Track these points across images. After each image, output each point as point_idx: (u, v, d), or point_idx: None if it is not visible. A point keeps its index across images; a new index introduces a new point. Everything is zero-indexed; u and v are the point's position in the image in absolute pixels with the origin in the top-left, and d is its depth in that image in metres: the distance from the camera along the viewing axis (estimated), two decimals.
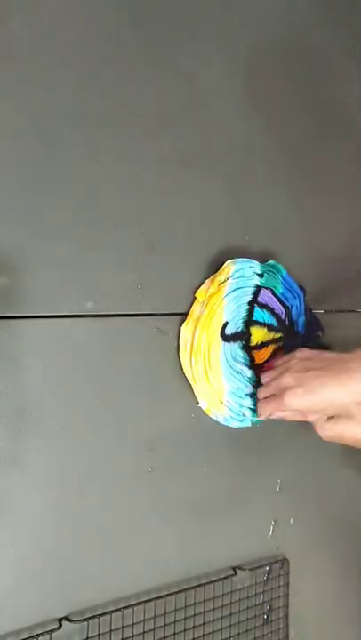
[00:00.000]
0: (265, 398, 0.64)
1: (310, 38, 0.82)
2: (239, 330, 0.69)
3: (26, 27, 0.57)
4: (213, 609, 0.68)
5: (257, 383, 0.70)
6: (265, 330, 0.71)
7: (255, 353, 0.71)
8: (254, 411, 0.69)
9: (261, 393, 0.65)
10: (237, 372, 0.69)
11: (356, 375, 0.56)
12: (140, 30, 0.65)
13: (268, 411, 0.62)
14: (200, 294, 0.68)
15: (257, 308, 0.70)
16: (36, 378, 0.57)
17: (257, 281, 0.70)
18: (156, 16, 0.66)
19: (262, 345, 0.71)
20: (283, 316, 0.73)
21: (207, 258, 0.70)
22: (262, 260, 0.72)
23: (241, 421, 0.69)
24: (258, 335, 0.71)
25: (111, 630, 0.59)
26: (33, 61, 0.57)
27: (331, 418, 0.59)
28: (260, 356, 0.72)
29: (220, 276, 0.68)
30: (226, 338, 0.68)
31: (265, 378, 0.66)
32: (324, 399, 0.57)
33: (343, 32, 0.85)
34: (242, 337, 0.69)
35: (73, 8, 0.60)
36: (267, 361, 0.72)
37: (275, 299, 0.72)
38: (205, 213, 0.70)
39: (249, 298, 0.70)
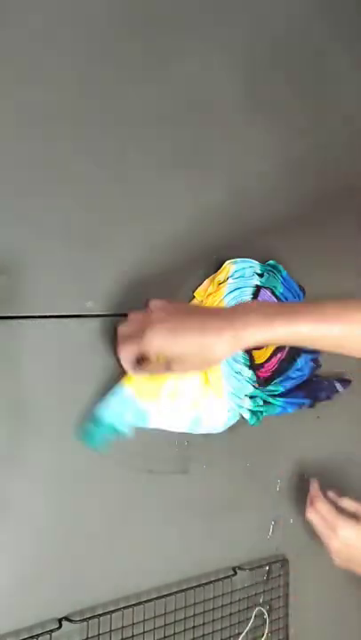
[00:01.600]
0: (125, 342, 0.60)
1: (310, 37, 0.82)
2: None
3: (24, 26, 0.57)
4: (213, 609, 0.68)
5: (257, 383, 0.70)
6: None
7: (255, 353, 0.71)
8: (253, 412, 0.69)
9: (122, 329, 0.60)
10: (237, 372, 0.69)
11: (222, 332, 0.54)
12: (140, 30, 0.65)
13: (129, 353, 0.59)
14: (199, 294, 0.68)
15: None
16: (37, 378, 0.57)
17: (257, 281, 0.70)
18: (157, 15, 0.66)
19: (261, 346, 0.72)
20: None
21: (207, 258, 0.70)
22: (263, 260, 0.72)
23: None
24: None
25: (111, 630, 0.59)
26: (32, 61, 0.57)
27: None
28: (261, 355, 0.72)
29: (220, 276, 0.68)
30: None
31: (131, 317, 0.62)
32: (186, 343, 0.55)
33: (343, 32, 0.85)
34: None
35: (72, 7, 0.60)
36: (267, 361, 0.72)
37: (274, 298, 0.72)
38: (205, 213, 0.70)
39: (248, 298, 0.70)
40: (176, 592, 0.65)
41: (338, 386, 0.79)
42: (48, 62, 0.58)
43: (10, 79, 0.56)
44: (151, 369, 0.59)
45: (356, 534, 0.67)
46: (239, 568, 0.71)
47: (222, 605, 0.68)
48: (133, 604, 0.61)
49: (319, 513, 0.70)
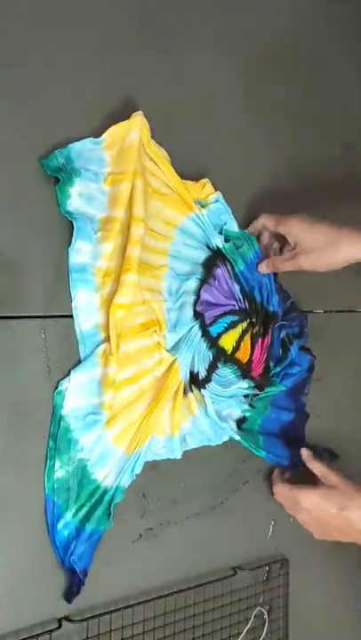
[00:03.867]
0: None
1: (310, 37, 0.82)
2: (209, 362, 0.67)
3: (25, 25, 0.57)
4: (213, 609, 0.68)
5: (257, 389, 0.70)
6: (231, 332, 0.69)
7: (237, 355, 0.70)
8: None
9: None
10: (234, 395, 0.69)
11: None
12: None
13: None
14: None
15: (210, 327, 0.67)
16: (37, 378, 0.57)
17: (219, 242, 0.68)
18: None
19: (238, 344, 0.70)
20: (238, 296, 0.70)
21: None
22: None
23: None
24: (228, 341, 0.69)
25: (111, 630, 0.59)
26: (32, 61, 0.58)
27: None
28: (243, 354, 0.70)
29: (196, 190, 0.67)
30: (202, 383, 0.66)
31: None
32: (321, 234, 0.64)
33: (344, 31, 0.85)
34: (216, 362, 0.68)
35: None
36: (251, 353, 0.71)
37: (228, 276, 0.69)
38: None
39: (197, 330, 0.66)
40: (176, 592, 0.65)
41: (326, 455, 0.78)
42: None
43: None
44: (278, 264, 0.68)
45: (316, 500, 0.66)
46: (239, 568, 0.71)
47: (222, 605, 0.68)
48: (133, 604, 0.61)
49: (280, 493, 0.70)
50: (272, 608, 0.74)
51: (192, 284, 0.66)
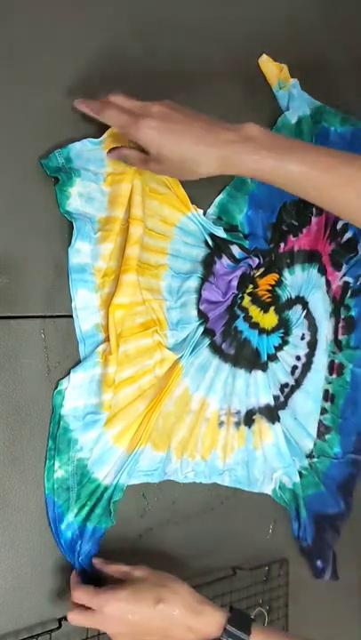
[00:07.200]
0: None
1: (310, 36, 0.82)
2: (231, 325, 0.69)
3: (26, 27, 0.57)
4: None
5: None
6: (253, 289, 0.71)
7: (259, 282, 0.71)
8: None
9: (117, 98, 0.56)
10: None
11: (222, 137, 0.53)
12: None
13: (116, 117, 0.55)
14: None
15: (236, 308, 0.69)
16: (36, 377, 0.57)
17: (221, 234, 0.67)
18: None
19: (255, 278, 0.71)
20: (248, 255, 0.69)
21: None
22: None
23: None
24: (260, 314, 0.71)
25: None
26: (33, 59, 0.58)
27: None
28: (266, 281, 0.72)
29: None
30: (227, 355, 0.69)
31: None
32: (176, 145, 0.53)
33: (343, 31, 0.85)
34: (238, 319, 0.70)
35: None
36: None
37: (226, 270, 0.68)
38: None
39: (197, 323, 0.66)
40: None
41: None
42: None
43: None
44: (129, 156, 0.58)
45: (123, 604, 0.52)
46: (239, 568, 0.71)
47: (222, 605, 0.68)
48: None
49: (80, 600, 0.54)
50: (272, 608, 0.74)
51: (193, 282, 0.66)
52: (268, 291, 0.72)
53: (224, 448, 0.69)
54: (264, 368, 0.72)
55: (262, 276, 0.71)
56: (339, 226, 0.77)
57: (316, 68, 0.80)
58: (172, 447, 0.65)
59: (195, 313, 0.66)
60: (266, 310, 0.72)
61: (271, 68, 0.73)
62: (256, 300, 0.71)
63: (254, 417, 0.71)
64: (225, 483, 0.70)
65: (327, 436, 0.77)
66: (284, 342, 0.74)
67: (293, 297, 0.74)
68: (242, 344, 0.70)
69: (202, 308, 0.67)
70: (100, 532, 0.59)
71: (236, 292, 0.68)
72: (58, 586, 0.58)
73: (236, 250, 0.69)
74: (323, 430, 0.77)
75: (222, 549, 0.71)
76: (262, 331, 0.72)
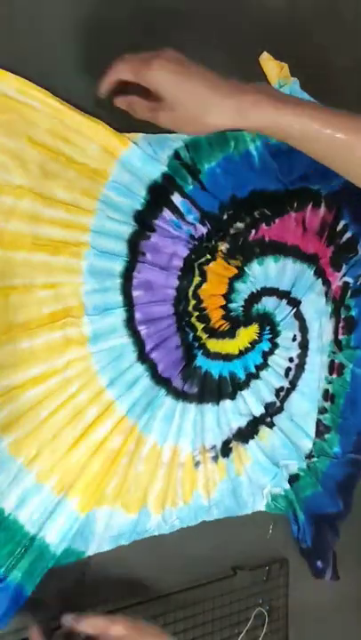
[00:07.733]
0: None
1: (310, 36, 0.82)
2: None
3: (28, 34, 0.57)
4: (213, 609, 0.67)
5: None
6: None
7: (203, 296, 0.66)
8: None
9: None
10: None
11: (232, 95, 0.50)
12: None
13: (124, 68, 0.52)
14: None
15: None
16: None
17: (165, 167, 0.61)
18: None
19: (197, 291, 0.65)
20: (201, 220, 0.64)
21: None
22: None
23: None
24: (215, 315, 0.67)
25: None
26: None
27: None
28: (210, 292, 0.66)
29: None
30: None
31: None
32: (190, 90, 0.50)
33: (344, 31, 0.85)
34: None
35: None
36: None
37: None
38: None
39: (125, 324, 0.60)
40: (176, 592, 0.65)
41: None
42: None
43: None
44: (137, 104, 0.53)
45: None
46: (239, 568, 0.71)
47: (222, 605, 0.68)
48: (133, 604, 0.61)
49: None
50: (272, 608, 0.74)
51: (117, 266, 0.59)
52: (222, 317, 0.68)
53: (206, 485, 0.67)
54: (232, 396, 0.69)
55: (213, 257, 0.65)
56: (339, 227, 0.76)
57: (317, 68, 0.80)
58: (148, 505, 0.63)
59: (120, 298, 0.60)
60: (232, 336, 0.69)
61: (272, 67, 0.73)
62: (213, 333, 0.67)
63: (231, 445, 0.69)
64: (213, 517, 0.69)
65: (327, 436, 0.76)
66: (275, 346, 0.72)
67: (260, 289, 0.70)
68: (203, 379, 0.67)
69: (136, 293, 0.60)
70: (19, 590, 0.52)
71: (179, 282, 0.63)
72: (58, 586, 0.58)
73: (178, 199, 0.62)
74: (322, 430, 0.77)
75: (222, 549, 0.71)
76: (228, 357, 0.69)
